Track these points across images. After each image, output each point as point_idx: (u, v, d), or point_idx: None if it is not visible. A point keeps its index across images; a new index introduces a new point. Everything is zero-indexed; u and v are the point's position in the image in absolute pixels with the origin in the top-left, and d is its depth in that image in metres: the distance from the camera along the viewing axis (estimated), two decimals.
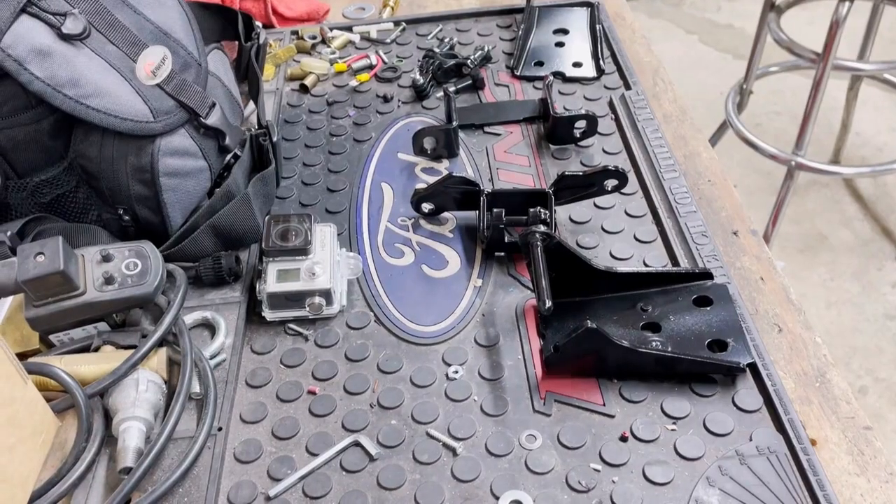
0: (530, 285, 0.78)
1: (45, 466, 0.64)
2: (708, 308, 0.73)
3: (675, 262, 0.80)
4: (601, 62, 1.06)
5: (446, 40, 1.12)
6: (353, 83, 1.09)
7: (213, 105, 0.80)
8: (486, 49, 1.09)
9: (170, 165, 0.77)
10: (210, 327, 0.77)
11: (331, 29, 1.18)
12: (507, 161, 0.94)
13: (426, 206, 0.87)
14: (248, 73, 0.99)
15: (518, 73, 1.07)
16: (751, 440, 0.64)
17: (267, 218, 0.79)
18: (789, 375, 0.70)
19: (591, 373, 0.70)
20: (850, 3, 1.65)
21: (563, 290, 0.74)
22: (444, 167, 0.94)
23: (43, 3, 0.71)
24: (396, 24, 1.18)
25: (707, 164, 0.92)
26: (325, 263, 0.76)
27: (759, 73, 2.10)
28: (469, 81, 1.05)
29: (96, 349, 0.71)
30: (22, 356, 0.70)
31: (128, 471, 0.63)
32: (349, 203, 0.91)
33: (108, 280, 0.69)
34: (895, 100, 2.51)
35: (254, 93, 0.96)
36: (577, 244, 0.82)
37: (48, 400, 0.66)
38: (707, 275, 0.76)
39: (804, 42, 1.87)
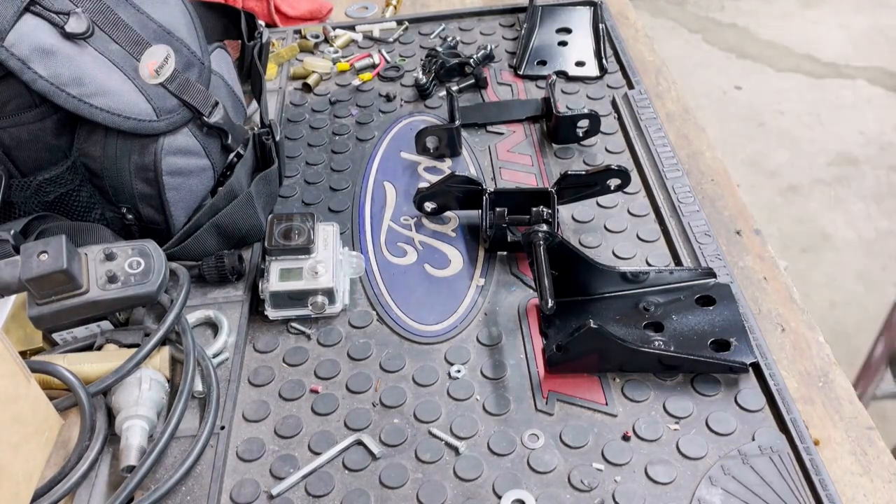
0: (533, 284, 0.78)
1: (49, 464, 0.64)
2: (711, 307, 0.73)
3: (677, 261, 0.80)
4: (604, 61, 1.06)
5: (449, 39, 1.12)
6: (356, 82, 1.09)
7: (216, 104, 0.80)
8: (488, 48, 1.09)
9: (173, 164, 0.78)
10: (213, 326, 0.78)
11: (333, 28, 1.18)
12: (510, 160, 0.94)
13: (429, 205, 0.87)
14: (250, 72, 0.99)
15: (521, 73, 1.07)
16: (753, 440, 0.64)
17: (270, 217, 0.79)
18: (792, 375, 0.70)
19: (593, 372, 0.70)
20: None
21: (565, 290, 0.74)
22: (446, 166, 0.94)
23: (46, 1, 0.71)
24: (399, 23, 1.18)
25: (710, 163, 0.92)
26: (328, 262, 0.76)
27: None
28: (472, 80, 1.05)
29: (99, 348, 0.71)
30: (25, 354, 0.71)
31: (131, 469, 0.63)
32: (352, 202, 0.91)
33: (112, 279, 0.69)
34: None
35: (257, 92, 0.96)
36: (580, 243, 0.82)
37: (51, 398, 0.66)
38: (710, 274, 0.75)
39: None
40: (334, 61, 1.12)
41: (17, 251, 0.68)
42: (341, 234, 0.85)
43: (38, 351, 0.72)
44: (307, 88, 1.08)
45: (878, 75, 2.60)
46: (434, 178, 0.90)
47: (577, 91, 1.04)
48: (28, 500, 0.60)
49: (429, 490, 0.63)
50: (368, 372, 0.72)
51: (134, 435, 0.64)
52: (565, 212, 0.86)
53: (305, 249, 0.77)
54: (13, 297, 0.74)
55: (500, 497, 0.62)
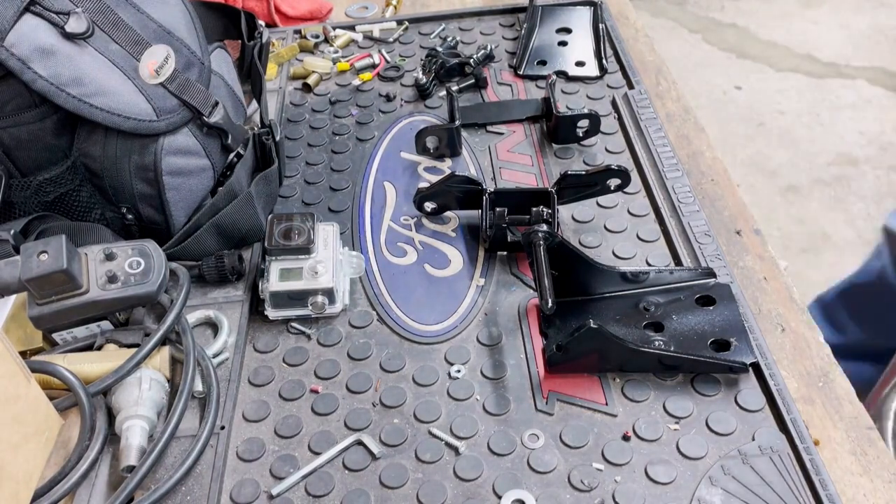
0: (533, 284, 0.78)
1: (49, 464, 0.64)
2: (711, 307, 0.73)
3: (677, 261, 0.80)
4: (604, 61, 1.06)
5: (449, 39, 1.12)
6: (356, 82, 1.09)
7: (216, 104, 0.80)
8: (488, 48, 1.09)
9: (173, 164, 0.78)
10: (213, 326, 0.78)
11: (333, 28, 1.18)
12: (510, 160, 0.94)
13: (429, 206, 0.87)
14: (251, 72, 0.99)
15: (521, 73, 1.07)
16: (753, 440, 0.64)
17: (270, 217, 0.79)
18: (792, 375, 0.70)
19: (593, 372, 0.70)
20: None
21: (565, 290, 0.74)
22: (446, 166, 0.94)
23: (46, 1, 0.71)
24: (399, 23, 1.18)
25: (710, 163, 0.92)
26: (328, 262, 0.76)
27: None
28: (472, 80, 1.05)
29: (99, 347, 0.71)
30: (25, 354, 0.71)
31: (131, 469, 0.63)
32: (352, 202, 0.91)
33: (112, 279, 0.69)
34: None
35: (257, 92, 0.96)
36: (580, 243, 0.82)
37: (51, 398, 0.66)
38: (710, 274, 0.75)
39: None
40: (334, 61, 1.12)
41: (17, 251, 0.68)
42: (341, 234, 0.85)
43: (38, 351, 0.72)
44: (307, 88, 1.08)
45: (878, 75, 2.60)
46: (434, 178, 0.90)
47: (577, 91, 1.04)
48: (28, 500, 0.60)
49: (429, 490, 0.63)
50: (368, 372, 0.72)
51: (134, 435, 0.64)
52: (565, 212, 0.86)
53: (305, 249, 0.77)
54: (13, 297, 0.74)
55: (500, 497, 0.62)
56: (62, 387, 0.66)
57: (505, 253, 0.83)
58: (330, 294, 0.75)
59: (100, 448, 0.64)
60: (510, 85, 1.06)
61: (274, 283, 0.75)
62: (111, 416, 0.67)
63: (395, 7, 1.24)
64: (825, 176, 2.26)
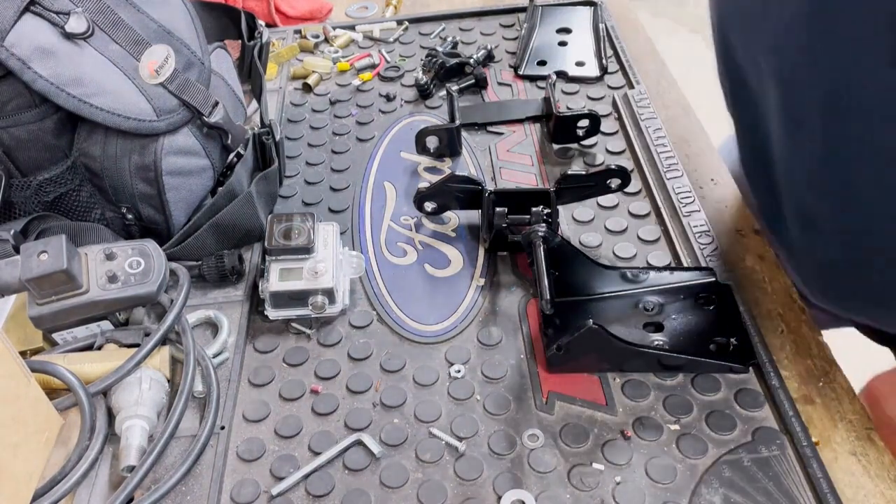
0: (533, 284, 0.78)
1: (49, 464, 0.64)
2: (711, 307, 0.73)
3: (678, 261, 0.80)
4: (604, 61, 1.06)
5: (449, 39, 1.12)
6: (356, 82, 1.09)
7: (217, 104, 0.80)
8: (488, 48, 1.09)
9: (173, 164, 0.78)
10: (213, 326, 0.78)
11: (333, 28, 1.18)
12: (510, 160, 0.94)
13: (429, 206, 0.87)
14: (251, 72, 0.99)
15: (521, 73, 1.07)
16: (754, 439, 0.64)
17: (270, 217, 0.79)
18: (793, 375, 0.70)
19: (593, 372, 0.70)
20: None
21: (565, 290, 0.74)
22: (446, 166, 0.94)
23: (46, 1, 0.71)
24: (399, 23, 1.18)
25: (710, 163, 0.92)
26: (328, 262, 0.76)
27: None
28: (472, 81, 1.05)
29: (99, 347, 0.71)
30: (25, 354, 0.71)
31: (131, 469, 0.63)
32: (352, 202, 0.91)
33: (112, 279, 0.69)
34: None
35: (257, 92, 0.96)
36: (580, 243, 0.82)
37: (51, 398, 0.66)
38: (710, 274, 0.75)
39: None
40: (334, 61, 1.12)
41: (17, 251, 0.68)
42: (341, 234, 0.85)
43: (38, 351, 0.72)
44: (307, 88, 1.08)
45: None
46: (434, 178, 0.90)
47: (577, 91, 1.04)
48: (28, 500, 0.60)
49: (429, 490, 0.63)
50: (368, 372, 0.72)
51: (134, 435, 0.64)
52: (565, 212, 0.86)
53: (305, 249, 0.77)
54: (13, 297, 0.74)
55: (500, 497, 0.62)
56: (62, 387, 0.66)
57: (505, 253, 0.83)
58: (330, 294, 0.75)
59: (100, 448, 0.64)
60: (510, 85, 1.06)
61: (274, 283, 0.75)
62: (111, 416, 0.67)
63: (395, 7, 1.24)
64: None
